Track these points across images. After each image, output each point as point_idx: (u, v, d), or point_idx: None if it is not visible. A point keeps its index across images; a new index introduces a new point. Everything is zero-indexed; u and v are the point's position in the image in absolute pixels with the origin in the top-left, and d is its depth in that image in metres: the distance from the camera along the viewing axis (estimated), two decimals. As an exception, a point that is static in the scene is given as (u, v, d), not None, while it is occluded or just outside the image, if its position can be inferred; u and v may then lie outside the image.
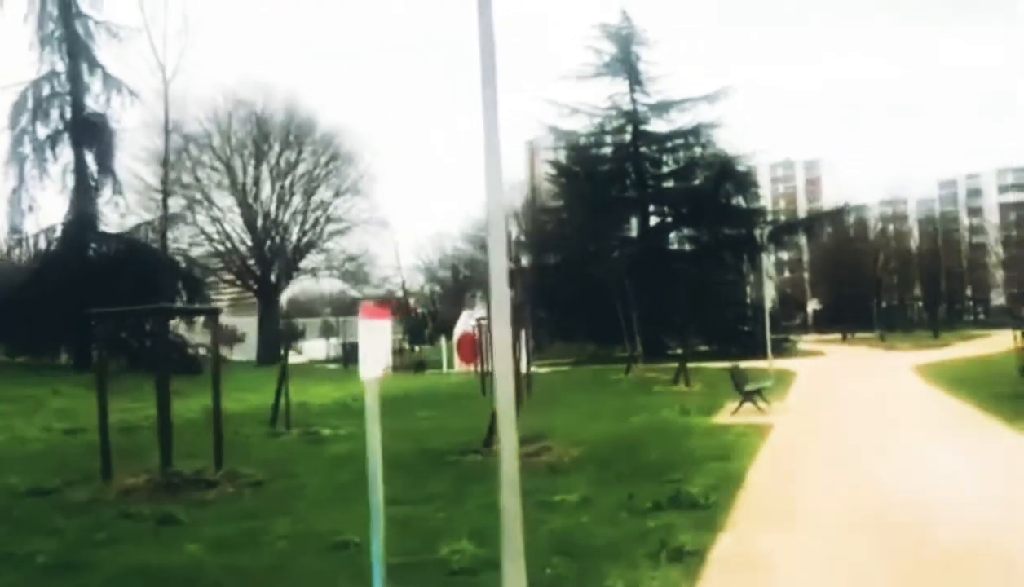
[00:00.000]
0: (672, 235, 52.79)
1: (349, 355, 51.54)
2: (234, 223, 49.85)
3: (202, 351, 30.50)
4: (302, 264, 52.74)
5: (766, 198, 75.28)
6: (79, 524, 8.36)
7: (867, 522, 7.38)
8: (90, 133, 33.75)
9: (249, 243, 49.72)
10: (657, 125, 49.78)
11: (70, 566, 6.78)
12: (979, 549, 6.31)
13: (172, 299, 30.79)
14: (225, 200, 49.48)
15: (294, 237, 50.86)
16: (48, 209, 49.77)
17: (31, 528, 8.27)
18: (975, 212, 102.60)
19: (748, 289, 52.79)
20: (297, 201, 50.28)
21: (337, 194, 50.10)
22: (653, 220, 50.82)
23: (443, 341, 44.02)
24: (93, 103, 34.81)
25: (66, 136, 34.14)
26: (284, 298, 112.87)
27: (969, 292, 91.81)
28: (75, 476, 10.90)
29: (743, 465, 10.36)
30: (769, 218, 56.15)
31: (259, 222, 49.31)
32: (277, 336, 46.67)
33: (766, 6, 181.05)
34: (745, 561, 6.30)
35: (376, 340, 4.32)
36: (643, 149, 49.67)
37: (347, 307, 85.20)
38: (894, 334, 63.23)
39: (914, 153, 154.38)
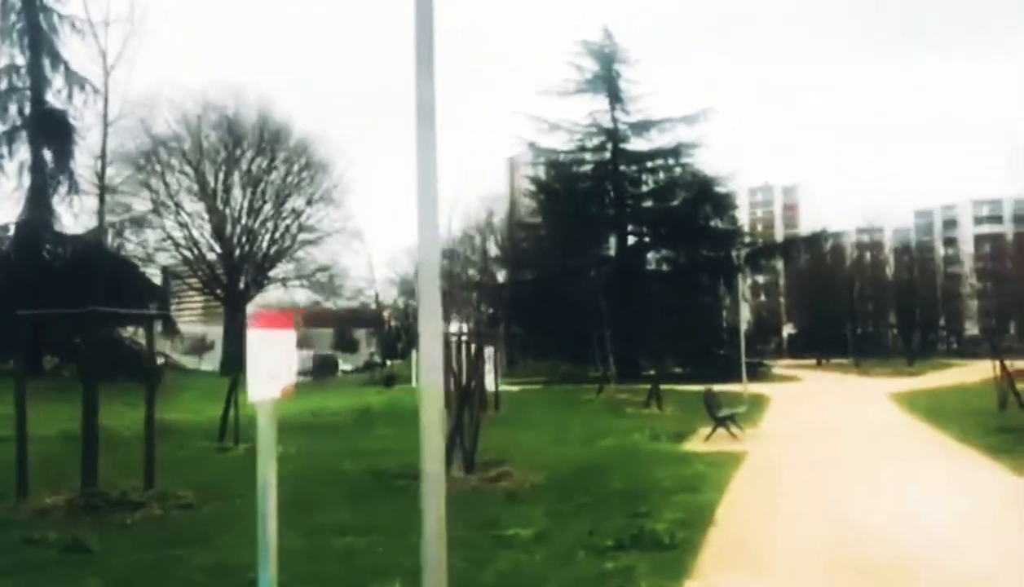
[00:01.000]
0: (650, 255, 52.48)
1: (317, 368, 50.64)
2: (203, 229, 48.75)
3: (161, 360, 29.40)
4: (272, 273, 51.65)
5: (744, 221, 75.39)
6: (-29, 549, 7.47)
7: (847, 567, 6.67)
8: (49, 130, 32.58)
9: (218, 249, 48.58)
10: (637, 144, 49.62)
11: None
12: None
13: (129, 304, 29.61)
14: (194, 205, 48.42)
15: (264, 245, 49.78)
16: (2, 208, 48.53)
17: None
18: (950, 242, 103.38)
19: (724, 312, 52.52)
20: (268, 208, 49.27)
21: (310, 202, 49.15)
22: (631, 239, 50.45)
23: (414, 355, 43.15)
24: (54, 99, 33.71)
25: (24, 133, 32.95)
26: (257, 307, 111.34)
27: (943, 322, 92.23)
28: (-10, 492, 9.99)
29: (713, 498, 9.65)
30: (747, 241, 56.00)
31: (228, 229, 48.21)
32: (243, 347, 45.50)
33: (748, 34, 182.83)
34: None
35: (273, 354, 3.57)
36: (622, 167, 49.37)
37: (318, 318, 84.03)
38: (869, 361, 63.12)
39: (892, 182, 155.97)
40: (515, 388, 37.07)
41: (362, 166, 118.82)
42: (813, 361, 69.74)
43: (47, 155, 33.09)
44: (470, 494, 10.40)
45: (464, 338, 19.85)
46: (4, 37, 32.56)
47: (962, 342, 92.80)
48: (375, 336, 76.39)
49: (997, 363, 21.99)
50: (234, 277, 49.06)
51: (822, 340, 73.83)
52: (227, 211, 48.49)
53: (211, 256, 49.30)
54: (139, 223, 42.74)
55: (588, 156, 50.69)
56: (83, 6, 22.53)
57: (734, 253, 42.33)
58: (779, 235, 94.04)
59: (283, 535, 8.92)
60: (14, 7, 32.39)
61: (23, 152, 33.19)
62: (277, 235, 50.00)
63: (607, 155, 49.48)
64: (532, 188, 54.99)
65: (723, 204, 48.99)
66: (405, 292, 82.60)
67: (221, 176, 48.54)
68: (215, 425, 17.05)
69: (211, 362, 52.33)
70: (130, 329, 30.80)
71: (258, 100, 49.02)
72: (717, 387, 22.28)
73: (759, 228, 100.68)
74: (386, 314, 79.91)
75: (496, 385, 23.85)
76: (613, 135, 48.87)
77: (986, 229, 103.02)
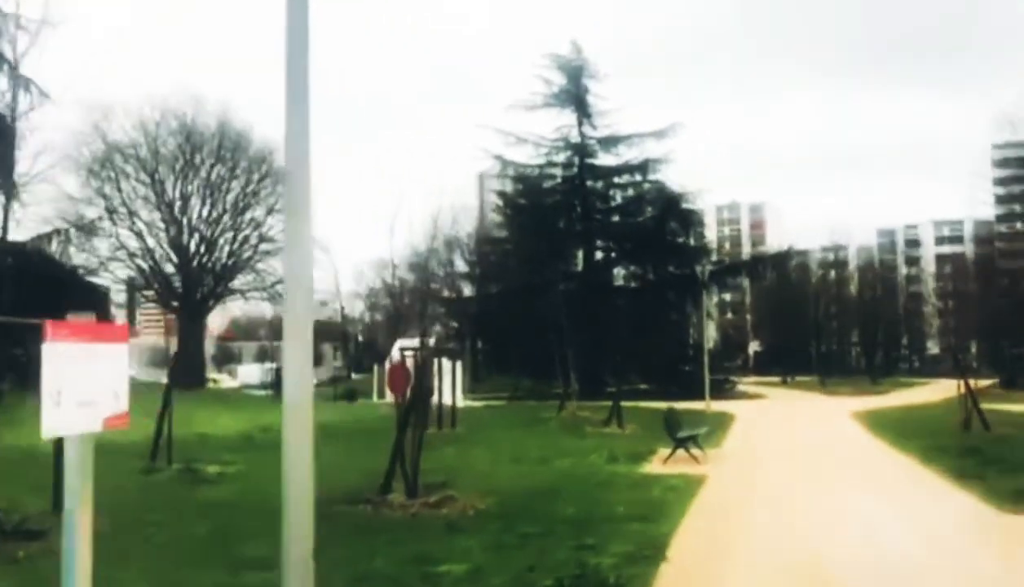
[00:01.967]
0: (617, 271, 52.10)
1: (278, 381, 49.34)
2: (159, 238, 47.30)
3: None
4: (231, 284, 50.28)
5: (712, 239, 75.54)
6: None
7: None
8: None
9: (175, 259, 47.17)
10: (604, 159, 49.20)
11: None
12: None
13: (64, 314, 28.33)
14: (151, 214, 46.97)
15: (223, 256, 48.46)
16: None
17: None
18: (913, 261, 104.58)
19: (692, 329, 52.24)
20: (227, 219, 47.96)
21: (271, 212, 47.91)
22: (598, 255, 50.05)
23: (375, 370, 42.24)
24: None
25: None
26: (225, 319, 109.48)
27: (905, 340, 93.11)
28: None
29: (668, 528, 8.99)
30: (714, 258, 55.91)
31: (185, 238, 46.88)
32: (201, 359, 44.17)
33: (717, 59, 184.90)
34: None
35: (89, 375, 2.82)
36: (589, 182, 48.96)
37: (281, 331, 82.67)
38: (833, 378, 63.28)
39: (855, 203, 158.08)
40: (478, 404, 36.32)
41: (326, 176, 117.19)
42: (778, 378, 69.79)
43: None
44: (407, 522, 9.68)
45: (417, 353, 19.11)
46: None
47: (924, 361, 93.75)
48: (339, 350, 75.17)
49: (960, 382, 21.74)
50: (191, 288, 47.62)
51: (787, 357, 74.04)
52: (184, 220, 47.14)
53: (167, 266, 47.88)
54: (90, 231, 41.24)
55: (555, 171, 50.23)
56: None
57: (697, 268, 42.05)
58: (747, 253, 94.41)
59: (195, 569, 8.08)
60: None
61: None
62: (236, 246, 48.69)
63: (574, 170, 49.05)
64: (499, 203, 54.40)
65: (689, 220, 48.83)
66: (371, 306, 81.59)
67: (179, 184, 47.23)
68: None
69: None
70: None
71: (218, 107, 47.91)
72: (681, 405, 21.76)
73: (727, 246, 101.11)
74: (351, 328, 78.84)
75: (453, 401, 23.09)
76: (580, 150, 48.45)
77: (947, 249, 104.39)
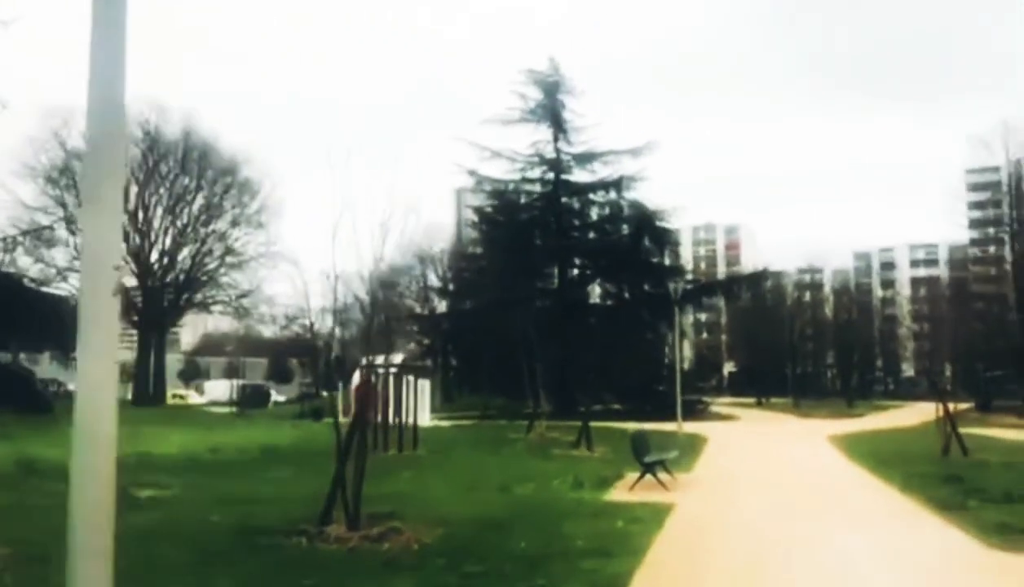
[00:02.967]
0: (592, 288, 51.48)
1: (242, 399, 47.88)
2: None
3: (52, 388, 26.89)
4: (194, 298, 48.90)
5: (688, 259, 75.28)
6: None
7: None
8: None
9: (134, 269, 45.75)
10: (580, 175, 48.76)
11: None
12: None
13: (22, 328, 27.12)
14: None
15: (186, 268, 47.12)
16: None
17: None
18: (888, 284, 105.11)
19: (667, 349, 51.62)
20: (190, 230, 46.69)
21: (234, 224, 46.72)
22: (574, 272, 49.40)
23: (340, 388, 40.99)
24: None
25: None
26: (194, 335, 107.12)
27: (880, 363, 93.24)
28: None
29: (628, 567, 8.10)
30: (689, 277, 55.47)
31: (146, 248, 45.55)
32: (161, 374, 42.74)
33: (695, 81, 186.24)
34: None
35: None
36: (564, 199, 48.42)
37: (252, 347, 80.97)
38: (808, 400, 62.88)
39: (831, 226, 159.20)
40: (446, 423, 35.35)
41: (293, 187, 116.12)
42: (753, 400, 69.37)
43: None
44: (342, 558, 8.71)
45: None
46: None
47: (899, 383, 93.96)
48: (308, 366, 73.78)
49: (938, 406, 21.16)
50: (151, 301, 46.21)
51: (762, 379, 73.75)
52: (147, 230, 45.81)
53: (128, 279, 46.48)
54: (48, 241, 39.96)
55: (530, 187, 49.64)
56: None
57: (671, 287, 41.48)
58: (722, 273, 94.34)
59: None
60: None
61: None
62: (199, 258, 47.36)
63: (550, 186, 48.47)
64: (475, 219, 53.69)
65: (665, 239, 48.40)
66: (342, 322, 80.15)
67: (143, 194, 45.90)
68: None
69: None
70: (21, 355, 28.25)
71: (183, 115, 46.75)
72: (653, 426, 21.00)
73: (702, 266, 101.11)
74: (321, 343, 77.29)
75: (415, 421, 22.10)
76: (556, 166, 47.93)
77: (923, 272, 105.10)
